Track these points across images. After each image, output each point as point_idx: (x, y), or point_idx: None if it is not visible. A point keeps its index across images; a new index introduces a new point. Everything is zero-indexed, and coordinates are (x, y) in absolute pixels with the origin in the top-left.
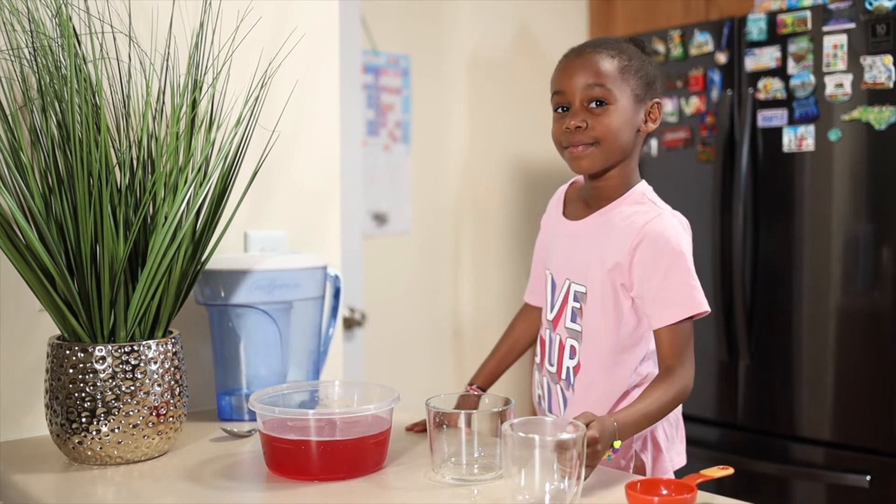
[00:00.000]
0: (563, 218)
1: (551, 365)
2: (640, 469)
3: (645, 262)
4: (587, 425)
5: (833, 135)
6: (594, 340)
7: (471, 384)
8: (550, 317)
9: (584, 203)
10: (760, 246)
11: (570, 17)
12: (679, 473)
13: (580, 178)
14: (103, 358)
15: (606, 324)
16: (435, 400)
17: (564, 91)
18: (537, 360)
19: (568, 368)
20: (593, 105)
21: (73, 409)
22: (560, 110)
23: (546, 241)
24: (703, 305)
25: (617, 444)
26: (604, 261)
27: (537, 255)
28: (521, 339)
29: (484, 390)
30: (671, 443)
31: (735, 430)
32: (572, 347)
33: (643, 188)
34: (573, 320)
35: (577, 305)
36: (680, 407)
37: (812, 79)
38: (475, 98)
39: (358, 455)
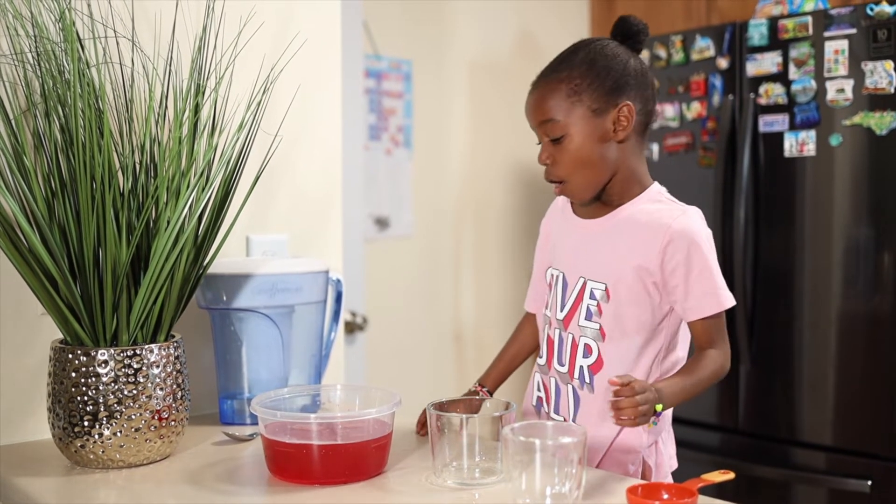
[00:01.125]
0: (574, 217)
1: (561, 365)
2: (646, 474)
3: (677, 260)
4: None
5: (834, 140)
6: (620, 337)
7: (481, 385)
8: (561, 316)
9: (597, 202)
10: (761, 251)
11: (572, 21)
12: (678, 477)
13: None
14: (106, 362)
15: (636, 319)
16: (433, 405)
17: (532, 127)
18: (541, 361)
19: (581, 367)
20: (553, 140)
21: (76, 412)
22: (539, 143)
23: (552, 241)
24: (731, 300)
25: (659, 407)
26: (630, 258)
27: (539, 262)
28: (528, 343)
29: (491, 392)
30: (667, 446)
31: (736, 434)
32: (587, 346)
33: (658, 188)
34: (588, 318)
35: (594, 303)
36: (671, 410)
37: (813, 84)
38: (477, 102)
39: (359, 459)
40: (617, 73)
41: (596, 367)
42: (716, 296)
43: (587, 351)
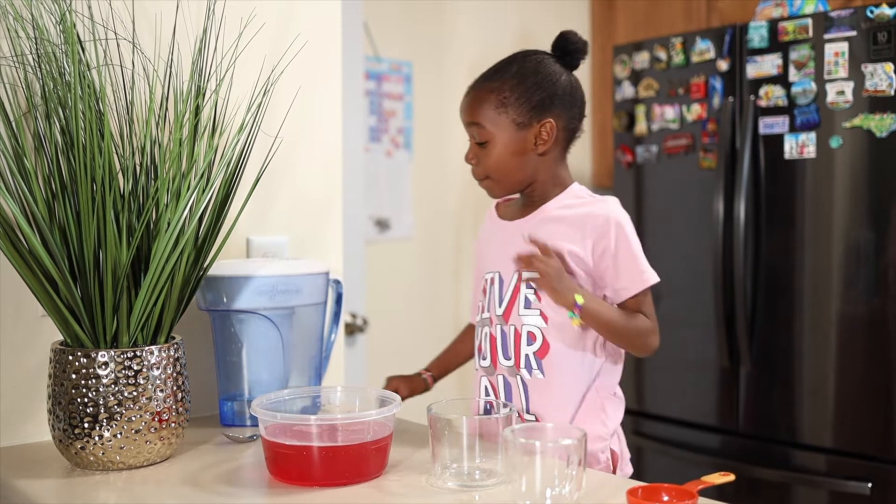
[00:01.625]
0: (501, 220)
1: (507, 359)
2: (614, 460)
3: (605, 244)
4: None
5: (834, 142)
6: (561, 316)
7: (426, 370)
8: (500, 311)
9: (521, 206)
10: (761, 253)
11: (573, 25)
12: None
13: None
14: (106, 363)
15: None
16: (437, 406)
17: (464, 127)
18: (485, 363)
19: (527, 356)
20: (479, 142)
21: (76, 414)
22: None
23: (484, 251)
24: (654, 277)
25: (580, 299)
26: (559, 244)
27: (478, 273)
28: (471, 344)
29: (436, 378)
30: (622, 437)
31: (736, 436)
32: (530, 333)
33: (579, 186)
34: (527, 307)
35: (531, 291)
36: (620, 428)
37: (813, 86)
38: None
39: (359, 461)
40: (545, 90)
41: (542, 352)
42: (641, 276)
43: (531, 338)
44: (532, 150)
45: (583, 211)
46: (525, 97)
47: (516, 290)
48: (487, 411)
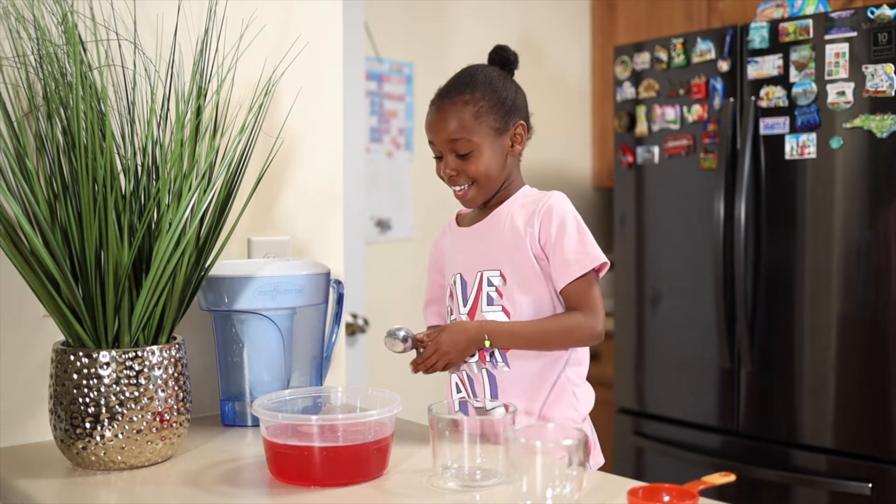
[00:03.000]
0: (460, 228)
1: (471, 356)
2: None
3: (549, 233)
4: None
5: (835, 143)
6: (522, 308)
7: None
8: (465, 310)
9: (477, 213)
10: (762, 253)
11: (574, 25)
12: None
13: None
14: (107, 363)
15: (534, 293)
16: (437, 406)
17: (434, 143)
18: None
19: (492, 352)
20: (460, 155)
21: (77, 414)
22: (435, 157)
23: (445, 257)
24: (600, 258)
25: (486, 343)
26: (515, 240)
27: (434, 281)
28: None
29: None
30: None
31: (737, 436)
32: None
33: (528, 188)
34: (490, 304)
35: (493, 289)
36: (589, 419)
37: (814, 87)
38: None
39: (360, 461)
40: (510, 96)
41: None
42: (580, 261)
43: None
44: (510, 153)
45: (532, 204)
46: (498, 103)
47: (479, 288)
48: (463, 408)
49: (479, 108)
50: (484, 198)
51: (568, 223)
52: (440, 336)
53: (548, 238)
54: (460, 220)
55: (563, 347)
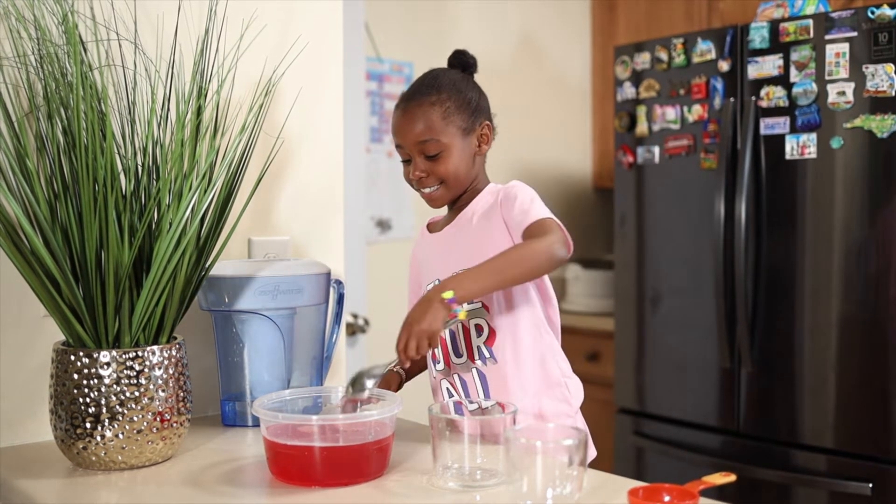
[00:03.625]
0: (432, 234)
1: (459, 356)
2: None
3: (507, 205)
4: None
5: (835, 143)
6: (501, 306)
7: (394, 366)
8: None
9: (447, 218)
10: (762, 253)
11: (574, 26)
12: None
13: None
14: (108, 363)
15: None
16: (437, 406)
17: (402, 146)
18: (440, 366)
19: (479, 347)
20: (429, 156)
21: (78, 414)
22: (403, 160)
23: (421, 266)
24: (544, 213)
25: (447, 294)
26: (486, 234)
27: (415, 295)
28: None
29: (408, 376)
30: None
31: (737, 436)
32: (478, 326)
33: (493, 185)
34: (471, 301)
35: None
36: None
37: (814, 87)
38: None
39: (361, 461)
40: (475, 97)
41: (490, 340)
42: (530, 211)
43: (479, 330)
44: (476, 152)
45: (493, 194)
46: (464, 104)
47: None
48: (458, 409)
49: (446, 109)
50: (451, 198)
51: (523, 191)
52: (406, 317)
53: (508, 210)
54: (432, 228)
55: (529, 272)
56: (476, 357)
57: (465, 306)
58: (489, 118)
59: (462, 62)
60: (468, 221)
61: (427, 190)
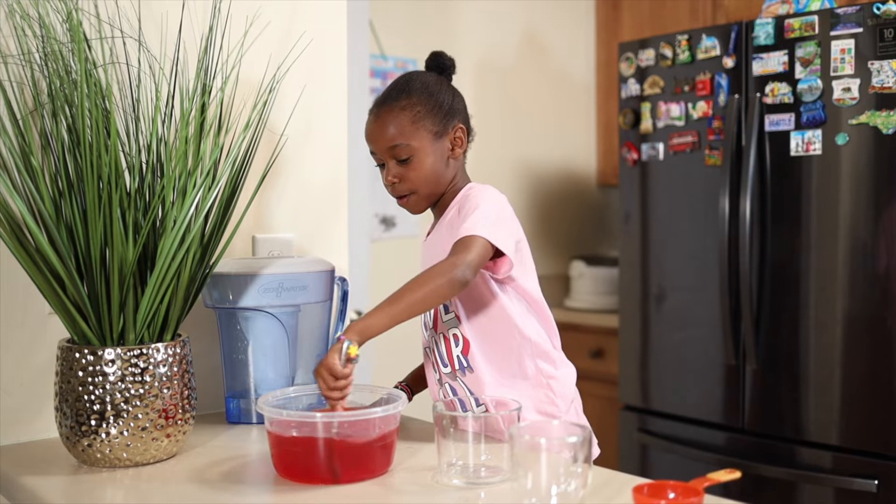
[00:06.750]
0: (427, 239)
1: (445, 366)
2: None
3: (460, 214)
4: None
5: (840, 139)
6: (470, 309)
7: (405, 384)
8: (430, 323)
9: (433, 219)
10: (767, 250)
11: (578, 23)
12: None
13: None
14: (112, 361)
15: (476, 291)
16: (441, 404)
17: (375, 152)
18: (436, 376)
19: (458, 356)
20: (401, 160)
21: (83, 411)
22: (378, 166)
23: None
24: (485, 234)
25: (338, 335)
26: (451, 239)
27: None
28: None
29: (413, 391)
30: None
31: (742, 433)
32: (455, 335)
33: (466, 187)
34: (447, 311)
35: None
36: (583, 414)
37: (819, 83)
38: (482, 103)
39: (365, 458)
40: (447, 100)
41: (465, 349)
42: (464, 224)
43: (455, 340)
44: (450, 156)
45: (461, 199)
46: (435, 108)
47: None
48: (463, 408)
49: (415, 113)
50: (427, 203)
51: (478, 198)
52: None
53: (460, 219)
54: (428, 231)
55: (430, 298)
56: (457, 366)
57: (357, 342)
58: (465, 121)
59: (439, 64)
60: (448, 222)
61: (400, 197)
